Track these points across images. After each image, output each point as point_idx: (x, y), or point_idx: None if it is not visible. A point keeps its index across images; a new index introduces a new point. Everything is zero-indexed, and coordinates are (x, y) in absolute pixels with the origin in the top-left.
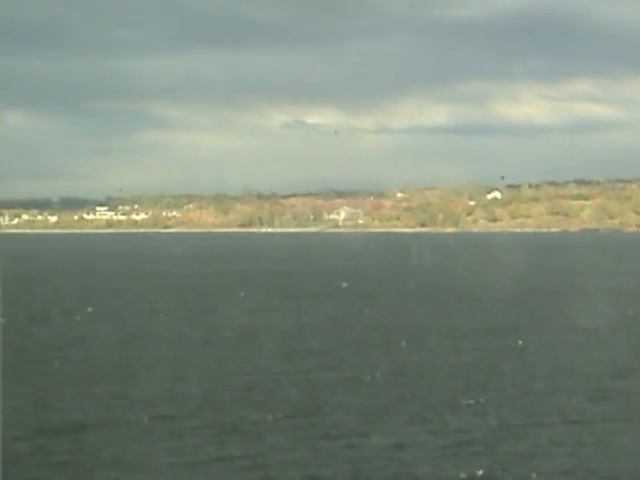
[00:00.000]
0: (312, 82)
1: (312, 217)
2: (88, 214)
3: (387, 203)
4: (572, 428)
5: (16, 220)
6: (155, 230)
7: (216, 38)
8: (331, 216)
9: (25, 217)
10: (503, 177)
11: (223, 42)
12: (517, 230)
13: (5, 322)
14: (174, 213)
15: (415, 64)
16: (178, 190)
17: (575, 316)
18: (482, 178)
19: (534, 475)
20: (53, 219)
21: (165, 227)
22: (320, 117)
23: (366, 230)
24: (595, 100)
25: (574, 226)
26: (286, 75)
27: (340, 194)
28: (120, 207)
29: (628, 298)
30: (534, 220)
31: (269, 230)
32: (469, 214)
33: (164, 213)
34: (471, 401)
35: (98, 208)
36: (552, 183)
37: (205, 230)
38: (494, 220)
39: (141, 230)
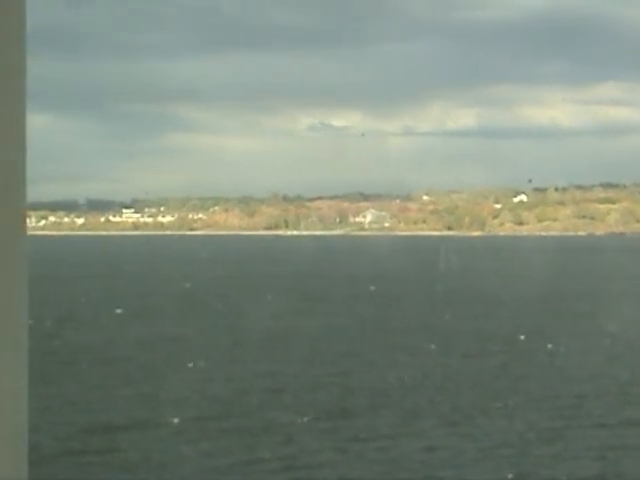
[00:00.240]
0: (339, 85)
1: (338, 220)
2: (114, 216)
3: (413, 206)
4: (601, 432)
5: (42, 222)
6: (181, 232)
7: (242, 41)
8: (357, 219)
9: (51, 219)
10: (530, 180)
11: (249, 45)
12: (543, 233)
13: (33, 324)
14: (200, 215)
15: (442, 67)
16: (204, 193)
17: (602, 320)
18: (508, 181)
19: (564, 479)
20: (79, 221)
21: (191, 229)
22: (346, 120)
23: (392, 233)
24: (622, 104)
25: (600, 230)
26: (313, 78)
27: (366, 197)
28: (146, 209)
29: None
30: (560, 223)
31: (294, 233)
32: (495, 217)
33: (190, 215)
34: (500, 404)
35: (124, 210)
36: (578, 187)
37: (231, 233)
38: (520, 223)
39: (167, 232)
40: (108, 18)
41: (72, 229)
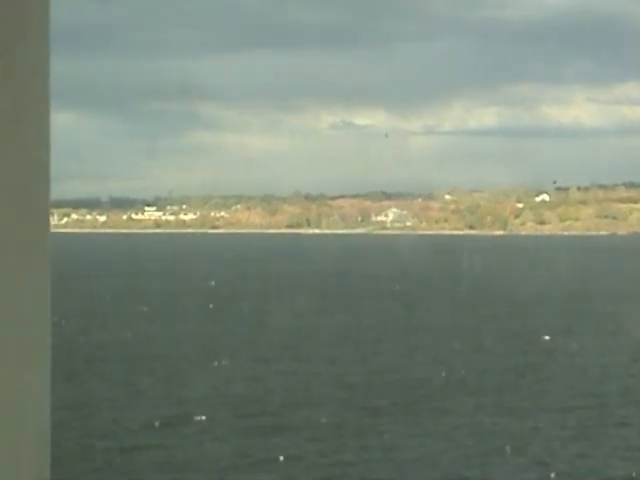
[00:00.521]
0: (361, 84)
1: (360, 219)
2: (137, 214)
3: (435, 205)
4: (624, 431)
5: (65, 219)
6: (203, 230)
7: (266, 40)
8: (379, 218)
9: (74, 216)
10: (555, 182)
11: (273, 44)
12: (565, 233)
13: (56, 321)
14: (222, 213)
15: (464, 66)
16: (226, 191)
17: (626, 320)
18: (530, 181)
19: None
20: (102, 219)
21: (213, 227)
22: (368, 119)
23: (414, 232)
24: None
25: (622, 229)
26: (335, 77)
27: (388, 196)
28: (168, 207)
29: None
30: (582, 223)
31: (316, 231)
32: (517, 217)
33: (212, 213)
34: (525, 404)
35: (147, 208)
36: (601, 186)
37: (252, 231)
38: (542, 223)
39: (189, 230)
40: (131, 17)
41: (94, 227)
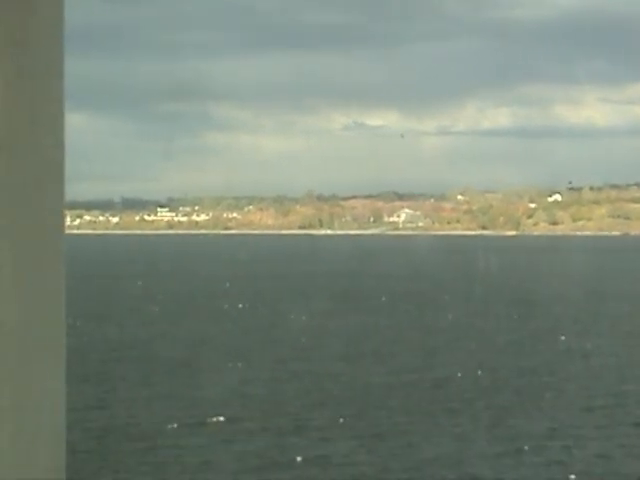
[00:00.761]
0: (373, 85)
1: (372, 219)
2: (149, 215)
3: (447, 206)
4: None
5: (77, 221)
6: (215, 231)
7: (279, 41)
8: (391, 218)
9: (87, 218)
10: (571, 182)
11: (286, 45)
12: (577, 233)
13: (70, 322)
14: (234, 214)
15: (477, 66)
16: (239, 192)
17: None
18: (543, 181)
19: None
20: (114, 220)
21: (225, 228)
22: (381, 119)
23: (426, 233)
24: None
25: (635, 229)
26: (347, 78)
27: (400, 196)
28: (181, 208)
29: None
30: (595, 223)
31: (329, 232)
32: (529, 217)
33: (225, 214)
34: (540, 404)
35: (159, 209)
36: (614, 186)
37: (265, 232)
38: (555, 223)
39: (201, 231)
40: (144, 18)
41: (107, 228)
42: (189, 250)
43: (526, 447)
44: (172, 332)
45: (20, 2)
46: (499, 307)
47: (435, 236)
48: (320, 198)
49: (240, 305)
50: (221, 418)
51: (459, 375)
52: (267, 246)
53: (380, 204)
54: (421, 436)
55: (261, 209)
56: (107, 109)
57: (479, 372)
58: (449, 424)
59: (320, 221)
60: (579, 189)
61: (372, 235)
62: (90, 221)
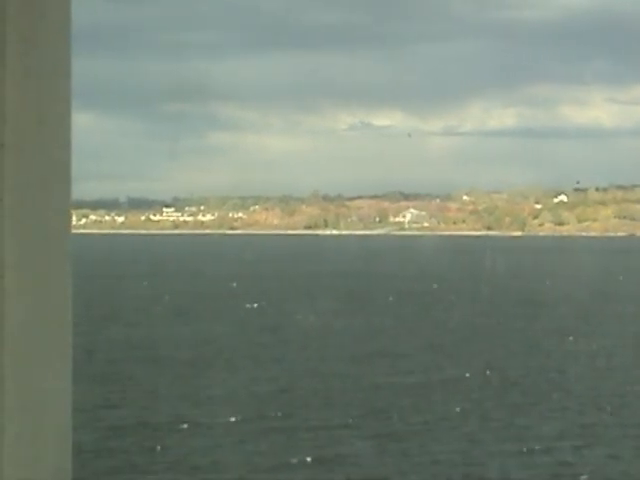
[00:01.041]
0: (379, 85)
1: (378, 219)
2: (155, 215)
3: (453, 206)
4: None
5: (83, 220)
6: (221, 231)
7: (285, 41)
8: (397, 218)
9: (92, 217)
10: (578, 182)
11: (292, 45)
12: (583, 234)
13: (77, 322)
14: (240, 214)
15: (483, 67)
16: (245, 192)
17: None
18: (549, 181)
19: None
20: (120, 219)
21: (231, 228)
22: (387, 119)
23: (432, 233)
24: None
25: None
26: (353, 77)
27: (406, 196)
28: (187, 208)
29: None
30: (600, 224)
31: (334, 232)
32: (535, 218)
33: (230, 214)
34: (549, 404)
35: (165, 209)
36: (620, 187)
37: (270, 232)
38: (560, 224)
39: (207, 231)
40: (150, 18)
41: (112, 227)
42: (195, 250)
43: (537, 447)
44: (179, 332)
45: (27, 2)
46: (506, 307)
47: (441, 236)
48: (326, 198)
49: (247, 305)
50: (232, 419)
51: (467, 375)
52: (273, 246)
53: (386, 204)
54: (431, 436)
55: (266, 209)
56: (113, 109)
57: (487, 372)
58: (458, 424)
59: (326, 221)
60: (585, 190)
61: (378, 235)
62: (96, 220)
